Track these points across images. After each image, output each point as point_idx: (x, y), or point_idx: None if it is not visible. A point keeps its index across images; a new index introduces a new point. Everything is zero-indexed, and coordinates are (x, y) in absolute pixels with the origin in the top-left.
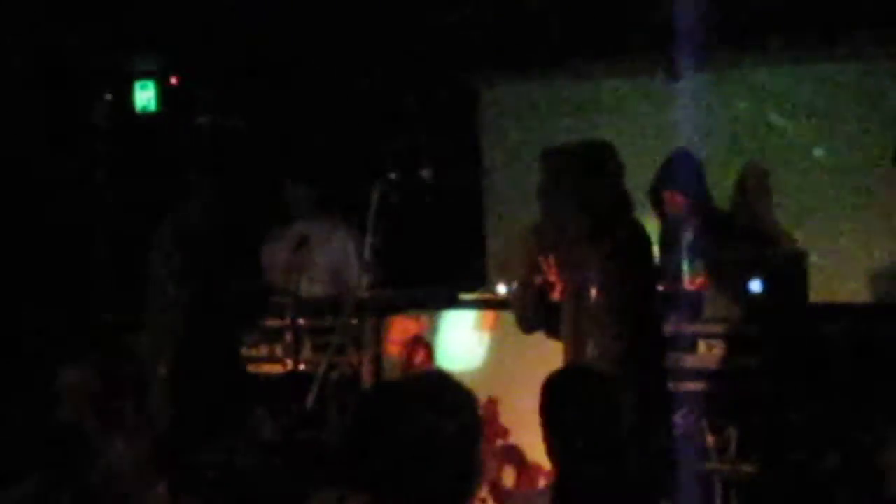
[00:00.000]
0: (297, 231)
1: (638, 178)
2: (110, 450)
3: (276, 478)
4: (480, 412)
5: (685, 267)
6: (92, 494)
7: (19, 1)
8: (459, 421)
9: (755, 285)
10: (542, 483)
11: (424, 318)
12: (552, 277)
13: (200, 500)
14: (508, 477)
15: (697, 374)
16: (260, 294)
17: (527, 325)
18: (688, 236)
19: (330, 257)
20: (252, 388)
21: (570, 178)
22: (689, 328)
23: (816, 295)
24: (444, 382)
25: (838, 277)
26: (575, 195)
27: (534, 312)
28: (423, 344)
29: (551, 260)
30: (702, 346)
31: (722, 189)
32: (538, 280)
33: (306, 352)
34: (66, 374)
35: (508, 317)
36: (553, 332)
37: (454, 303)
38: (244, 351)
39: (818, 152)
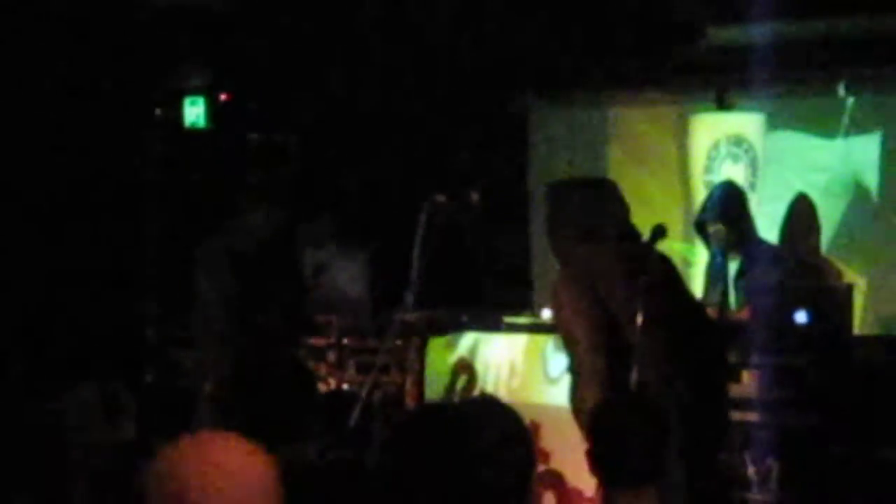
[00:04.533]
0: (311, 258)
1: (686, 207)
2: None
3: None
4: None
5: (731, 298)
6: None
7: (70, 20)
8: (511, 448)
9: (800, 316)
10: None
11: (468, 341)
12: None
13: None
14: (549, 502)
15: (740, 405)
16: (304, 313)
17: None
18: (733, 267)
19: (349, 284)
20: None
21: (574, 213)
22: (733, 358)
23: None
24: (495, 408)
25: None
26: (577, 228)
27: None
28: (466, 366)
29: None
30: (745, 376)
31: (770, 221)
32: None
33: (350, 371)
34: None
35: (551, 341)
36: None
37: (498, 326)
38: None
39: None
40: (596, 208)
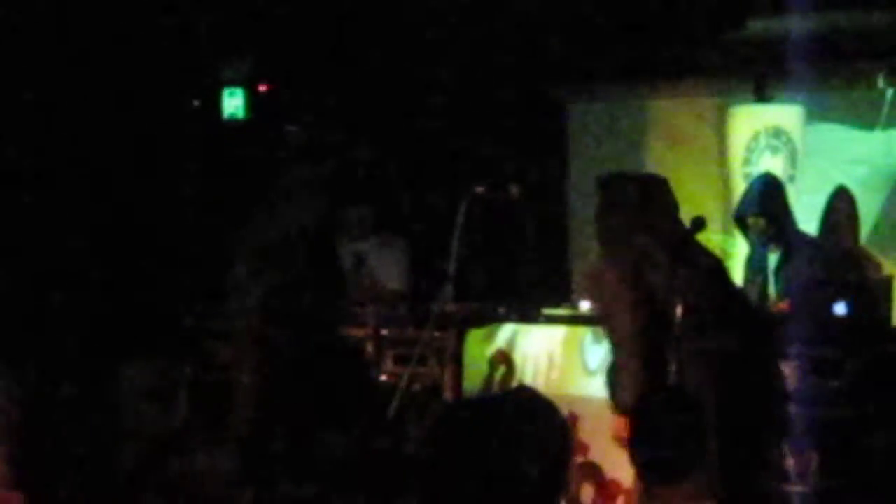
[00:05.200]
0: (350, 250)
1: (725, 199)
2: (196, 458)
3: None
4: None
5: (770, 290)
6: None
7: (108, 10)
8: (549, 439)
9: (840, 308)
10: (620, 501)
11: (507, 333)
12: None
13: None
14: (587, 494)
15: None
16: (343, 303)
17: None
18: (773, 259)
19: (388, 275)
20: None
21: (625, 204)
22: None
23: None
24: (534, 400)
25: None
26: (627, 219)
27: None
28: (504, 358)
29: None
30: (785, 368)
31: (809, 213)
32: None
33: (388, 363)
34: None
35: (589, 332)
36: None
37: (537, 318)
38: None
39: None
40: (647, 201)
